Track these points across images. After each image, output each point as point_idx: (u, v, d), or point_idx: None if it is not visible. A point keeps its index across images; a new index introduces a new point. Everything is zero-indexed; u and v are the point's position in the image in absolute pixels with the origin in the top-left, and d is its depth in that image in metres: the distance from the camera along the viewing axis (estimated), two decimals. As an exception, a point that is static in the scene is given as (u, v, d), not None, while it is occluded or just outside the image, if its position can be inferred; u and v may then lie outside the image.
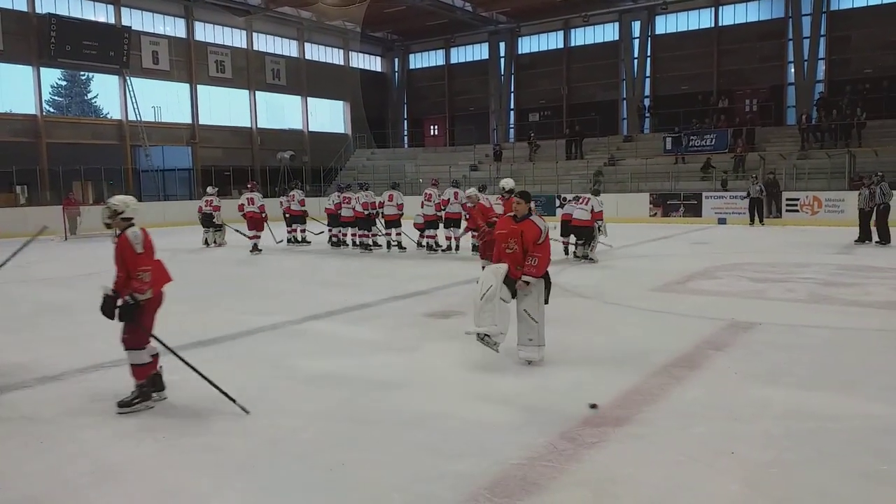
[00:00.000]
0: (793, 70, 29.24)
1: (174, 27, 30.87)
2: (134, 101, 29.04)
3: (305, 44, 36.29)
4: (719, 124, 27.57)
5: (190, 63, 31.16)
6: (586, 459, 3.68)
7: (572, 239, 12.88)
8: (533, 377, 5.23)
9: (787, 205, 21.29)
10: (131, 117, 29.19)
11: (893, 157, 22.14)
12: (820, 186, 21.28)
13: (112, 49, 27.69)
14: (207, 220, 17.38)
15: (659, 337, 6.50)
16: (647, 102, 32.58)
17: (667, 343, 6.17)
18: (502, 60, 36.64)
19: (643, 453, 3.75)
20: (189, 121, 31.58)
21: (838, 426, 4.11)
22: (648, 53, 32.56)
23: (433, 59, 40.09)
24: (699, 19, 31.43)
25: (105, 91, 30.51)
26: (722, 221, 21.93)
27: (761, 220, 20.35)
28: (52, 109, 30.37)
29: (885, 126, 24.29)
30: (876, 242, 14.41)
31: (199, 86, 31.66)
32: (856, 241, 14.64)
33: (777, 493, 3.29)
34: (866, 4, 27.71)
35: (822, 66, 28.71)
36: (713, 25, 31.00)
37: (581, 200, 12.45)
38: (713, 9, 30.81)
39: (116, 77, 29.00)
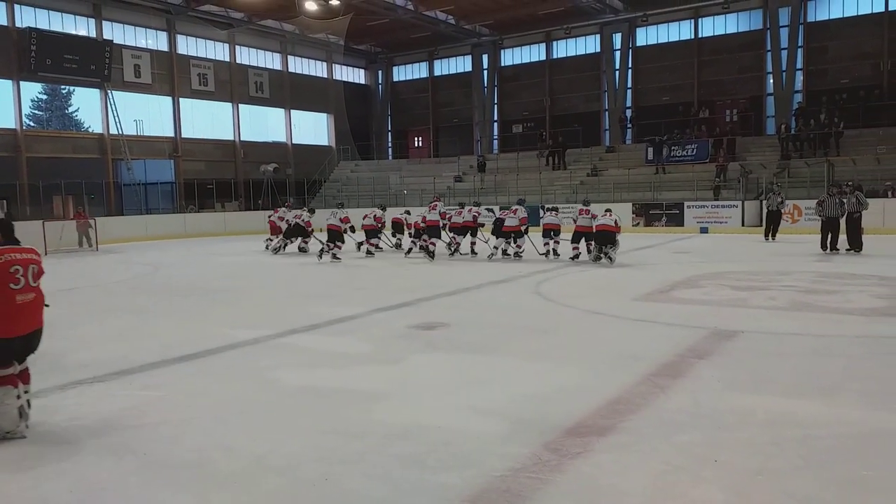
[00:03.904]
0: (772, 81, 29.64)
1: (156, 40, 30.76)
2: (115, 114, 28.87)
3: (289, 56, 36.31)
4: (700, 135, 27.87)
5: (172, 76, 31.04)
6: (570, 470, 3.67)
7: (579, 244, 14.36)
8: (517, 387, 5.23)
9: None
10: (113, 131, 29.01)
11: (870, 165, 22.50)
12: (799, 195, 21.55)
13: (93, 63, 27.53)
14: (297, 231, 17.90)
15: (642, 346, 6.52)
16: (628, 113, 32.85)
17: (650, 352, 6.19)
18: (485, 72, 36.84)
19: (627, 463, 3.75)
20: (171, 134, 31.43)
21: (822, 433, 4.14)
22: (630, 65, 32.87)
23: (417, 71, 40.23)
24: (679, 31, 31.80)
25: (86, 105, 30.31)
26: (704, 230, 22.13)
27: (774, 235, 18.17)
28: (32, 123, 30.08)
29: (862, 135, 24.69)
30: (847, 250, 14.53)
31: (181, 99, 31.55)
32: (832, 249, 14.72)
33: (762, 501, 3.30)
34: (842, 16, 28.19)
35: (800, 77, 29.12)
36: (693, 37, 31.39)
37: (606, 214, 13.50)
38: (693, 21, 31.20)
39: (98, 91, 28.83)
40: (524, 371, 5.77)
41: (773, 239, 18.04)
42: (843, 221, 14.72)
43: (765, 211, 19.29)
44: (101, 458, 4.07)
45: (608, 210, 13.72)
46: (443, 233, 15.98)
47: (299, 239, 18.04)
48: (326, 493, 3.50)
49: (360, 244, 17.22)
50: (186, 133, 31.86)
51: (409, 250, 16.54)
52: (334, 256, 15.63)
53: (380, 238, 17.22)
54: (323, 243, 16.10)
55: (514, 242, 15.01)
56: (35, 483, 3.74)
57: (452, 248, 15.96)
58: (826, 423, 4.30)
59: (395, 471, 3.73)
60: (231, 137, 34.03)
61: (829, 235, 14.77)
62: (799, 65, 28.99)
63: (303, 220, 17.87)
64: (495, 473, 3.62)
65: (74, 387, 5.56)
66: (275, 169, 33.06)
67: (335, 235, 15.78)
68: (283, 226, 18.11)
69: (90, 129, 30.00)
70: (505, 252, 15.29)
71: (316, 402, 5.03)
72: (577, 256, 14.21)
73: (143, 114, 30.28)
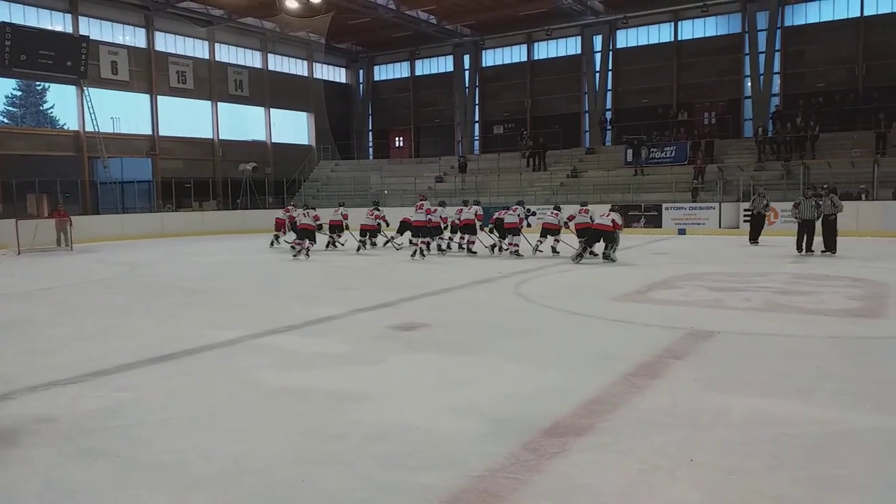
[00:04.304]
0: (749, 84, 30.02)
1: (134, 37, 30.44)
2: (92, 111, 28.51)
3: (269, 55, 36.10)
4: (679, 137, 28.14)
5: (150, 73, 30.74)
6: (548, 470, 3.68)
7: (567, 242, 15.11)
8: (496, 387, 5.24)
9: (744, 215, 21.78)
10: (89, 128, 28.66)
11: (845, 168, 22.86)
12: (776, 197, 21.83)
13: (69, 58, 27.16)
14: (336, 228, 18.76)
15: (620, 346, 6.57)
16: (608, 115, 33.09)
17: (628, 352, 6.24)
18: (467, 73, 36.91)
19: (604, 462, 3.78)
20: (149, 132, 31.12)
21: (796, 432, 4.19)
22: (610, 67, 33.13)
23: (398, 70, 40.19)
24: (659, 34, 32.10)
25: (62, 101, 29.94)
26: (682, 232, 22.34)
27: (757, 238, 18.18)
28: (5, 120, 29.66)
29: (838, 138, 25.08)
30: (822, 252, 14.74)
31: (159, 97, 31.27)
32: (807, 251, 14.93)
33: (736, 500, 3.33)
34: (819, 20, 28.62)
35: (777, 81, 29.53)
36: (672, 40, 31.70)
37: (604, 215, 14.13)
38: (672, 23, 31.51)
39: (74, 87, 28.47)
40: (503, 371, 5.79)
41: (756, 242, 17.95)
42: (818, 224, 14.94)
43: (743, 214, 19.51)
44: (74, 460, 4.01)
45: (611, 209, 14.29)
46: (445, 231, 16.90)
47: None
48: (304, 495, 3.48)
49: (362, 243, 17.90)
50: (164, 131, 31.56)
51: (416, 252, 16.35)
52: (306, 253, 16.29)
53: (375, 238, 18.28)
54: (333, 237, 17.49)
55: (512, 240, 15.59)
56: (5, 486, 3.67)
57: (464, 246, 16.57)
58: (800, 423, 4.35)
59: (374, 471, 3.72)
60: (210, 136, 33.77)
61: (805, 237, 14.98)
62: (776, 68, 29.42)
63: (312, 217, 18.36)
64: (473, 474, 3.62)
65: (47, 388, 5.47)
66: (254, 168, 32.83)
67: (307, 234, 16.47)
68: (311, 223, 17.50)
69: (66, 127, 29.62)
70: (501, 248, 16.00)
71: (294, 403, 5.00)
72: (584, 251, 14.25)
73: (120, 111, 29.95)
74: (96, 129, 28.65)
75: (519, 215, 15.61)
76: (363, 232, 17.82)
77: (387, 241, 18.67)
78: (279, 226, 20.09)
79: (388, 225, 18.28)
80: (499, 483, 3.52)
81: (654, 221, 23.17)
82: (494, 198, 27.84)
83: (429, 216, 16.22)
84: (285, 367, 6.07)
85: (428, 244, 15.99)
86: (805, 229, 14.99)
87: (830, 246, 14.69)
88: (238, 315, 8.95)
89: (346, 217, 18.57)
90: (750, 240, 18.18)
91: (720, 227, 22.19)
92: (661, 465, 3.71)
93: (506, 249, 15.79)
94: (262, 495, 3.49)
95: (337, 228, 18.60)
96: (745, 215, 21.78)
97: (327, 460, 3.89)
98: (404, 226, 17.81)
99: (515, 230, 15.56)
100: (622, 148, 28.81)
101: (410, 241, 16.52)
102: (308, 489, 3.54)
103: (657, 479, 3.57)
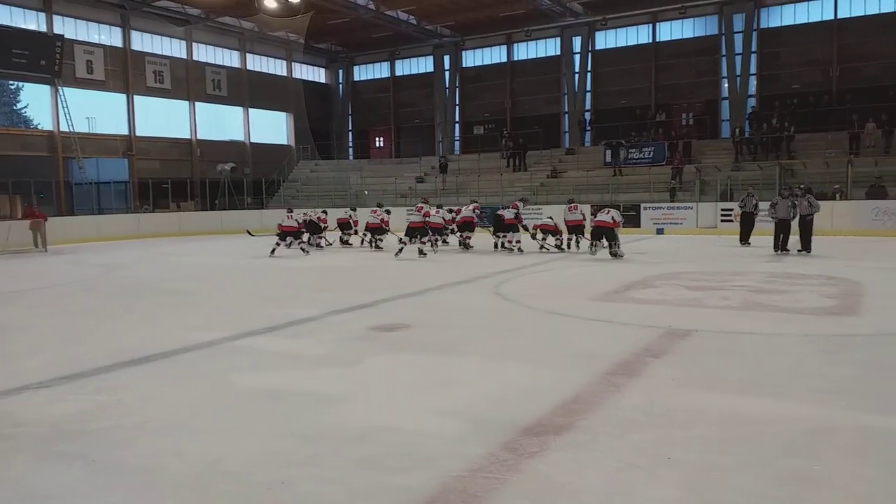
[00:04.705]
0: (726, 85, 30.34)
1: (109, 36, 30.07)
2: (66, 111, 28.12)
3: (247, 54, 35.85)
4: (657, 137, 28.36)
5: (126, 73, 30.39)
6: (527, 469, 3.69)
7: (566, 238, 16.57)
8: (474, 388, 5.24)
9: (722, 215, 22.02)
10: (64, 128, 28.26)
11: (820, 168, 23.18)
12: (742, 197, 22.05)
13: (43, 58, 26.77)
14: (311, 228, 19.16)
15: (599, 345, 6.61)
16: (587, 116, 33.28)
17: (606, 351, 6.27)
18: (447, 73, 36.93)
19: (583, 461, 3.79)
20: (126, 132, 30.77)
21: (772, 429, 4.23)
22: (589, 68, 33.32)
23: (378, 70, 40.10)
24: (637, 35, 32.34)
25: (36, 101, 29.43)
26: (660, 232, 22.52)
27: (748, 239, 17.49)
28: (-22, 120, 29.14)
29: (812, 139, 25.42)
30: (798, 251, 14.92)
31: (136, 96, 30.93)
32: (782, 250, 15.11)
33: (714, 497, 3.36)
34: (794, 23, 29.02)
35: (753, 82, 29.90)
36: (651, 41, 31.94)
37: (604, 211, 15.04)
38: (651, 25, 31.76)
39: (48, 87, 28.05)
40: (483, 372, 5.79)
41: (748, 243, 17.25)
42: (794, 223, 15.13)
43: (722, 214, 19.66)
44: (49, 464, 3.95)
45: (608, 208, 15.19)
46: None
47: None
48: (281, 498, 3.45)
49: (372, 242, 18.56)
50: (141, 131, 31.22)
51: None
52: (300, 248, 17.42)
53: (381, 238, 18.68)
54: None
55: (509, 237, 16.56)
56: (-23, 492, 3.61)
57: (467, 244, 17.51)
58: (776, 420, 4.40)
59: (352, 473, 3.70)
60: (187, 136, 33.46)
61: (781, 236, 15.16)
62: (752, 70, 29.78)
63: (317, 217, 19.45)
64: (452, 474, 3.62)
65: (21, 392, 5.38)
66: (232, 168, 32.56)
67: (291, 234, 17.36)
68: (294, 224, 17.97)
69: (40, 127, 29.14)
70: (503, 246, 16.86)
71: (271, 406, 4.96)
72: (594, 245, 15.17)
73: (95, 111, 29.56)
74: (71, 129, 28.26)
75: (517, 214, 16.65)
76: (368, 230, 18.61)
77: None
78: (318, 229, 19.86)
79: (387, 227, 18.56)
80: (478, 483, 3.52)
81: (633, 221, 23.28)
82: (475, 198, 27.85)
83: (426, 218, 16.89)
84: (263, 370, 6.02)
85: (424, 243, 16.31)
86: (781, 229, 15.18)
87: (806, 245, 14.89)
88: (216, 317, 8.86)
89: (386, 223, 18.66)
90: (741, 241, 17.50)
91: (697, 226, 22.39)
92: (640, 464, 3.73)
93: (506, 247, 16.64)
94: (239, 498, 3.46)
95: (377, 231, 18.53)
96: (722, 216, 22.03)
97: (305, 463, 3.87)
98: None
99: (514, 227, 16.45)
100: (601, 149, 28.98)
101: (400, 240, 16.78)
102: (286, 492, 3.51)
103: (635, 477, 3.59)
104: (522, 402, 4.81)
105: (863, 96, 26.27)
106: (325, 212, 20.44)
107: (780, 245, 15.12)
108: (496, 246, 17.18)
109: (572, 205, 16.66)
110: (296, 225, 17.47)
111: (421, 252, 15.96)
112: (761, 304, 8.74)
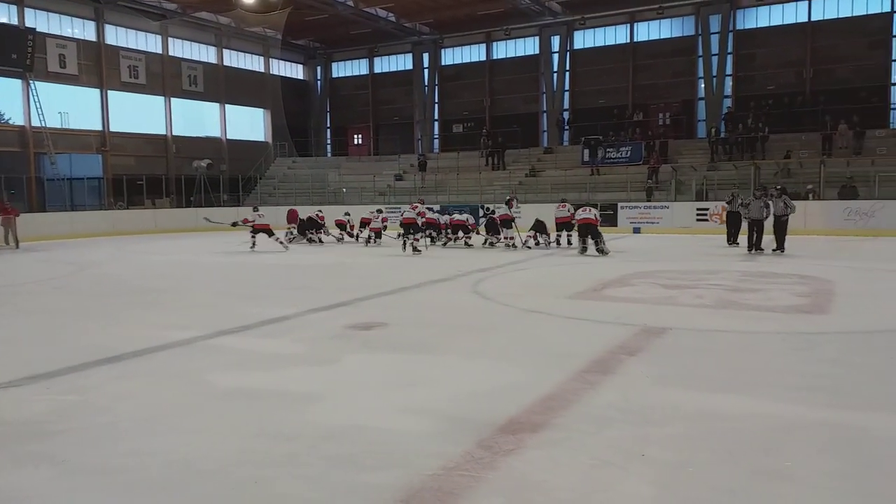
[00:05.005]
0: (703, 85, 30.66)
1: (83, 30, 29.60)
2: (38, 106, 27.64)
3: (224, 50, 35.50)
4: (634, 137, 28.57)
5: (100, 68, 29.94)
6: (503, 467, 3.70)
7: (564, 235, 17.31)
8: (450, 386, 5.24)
9: (697, 215, 22.25)
10: (35, 123, 27.79)
11: (793, 168, 23.50)
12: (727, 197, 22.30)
13: (14, 51, 26.29)
14: (310, 224, 20.60)
15: (574, 343, 6.64)
16: (566, 115, 33.43)
17: (582, 349, 6.31)
18: (426, 71, 36.87)
19: (558, 458, 3.81)
20: (99, 128, 30.33)
21: (746, 426, 4.28)
22: (567, 68, 33.46)
23: (357, 67, 39.93)
24: (615, 35, 32.54)
25: (6, 95, 28.84)
26: (636, 231, 22.70)
27: (736, 238, 17.05)
28: (-54, 114, 28.54)
29: (786, 139, 25.77)
30: (773, 251, 15.10)
31: (110, 91, 30.48)
32: (756, 249, 15.30)
33: (688, 494, 3.39)
34: (769, 25, 29.39)
35: (729, 83, 30.24)
36: (628, 41, 32.16)
37: (585, 209, 15.99)
38: (629, 25, 31.97)
39: (19, 81, 27.54)
40: (460, 370, 5.79)
41: (737, 243, 16.86)
42: (767, 223, 15.34)
43: (698, 213, 19.88)
44: (17, 466, 3.87)
45: (588, 207, 16.07)
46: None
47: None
48: (257, 497, 3.43)
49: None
50: (115, 127, 30.78)
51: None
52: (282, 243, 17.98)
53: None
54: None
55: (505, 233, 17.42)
56: (-58, 494, 3.53)
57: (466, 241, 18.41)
58: (750, 417, 4.45)
59: (328, 472, 3.69)
60: (163, 132, 33.06)
61: (755, 236, 15.37)
62: (728, 71, 30.12)
63: (316, 215, 20.59)
64: (428, 472, 3.61)
65: (-11, 391, 5.29)
66: (208, 165, 32.20)
67: (264, 231, 17.86)
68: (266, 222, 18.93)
69: (10, 121, 28.60)
70: (493, 244, 17.73)
71: (247, 405, 4.92)
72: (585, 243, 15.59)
73: (68, 106, 29.10)
74: (43, 124, 27.79)
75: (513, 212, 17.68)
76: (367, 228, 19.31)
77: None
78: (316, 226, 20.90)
79: (385, 229, 19.30)
80: (453, 481, 3.52)
81: (610, 220, 23.41)
82: (454, 196, 27.89)
83: (421, 217, 17.49)
84: (238, 368, 5.97)
85: (417, 239, 16.72)
86: (753, 228, 15.38)
87: (780, 245, 15.10)
88: (190, 315, 8.77)
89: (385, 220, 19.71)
90: (728, 241, 17.14)
91: (673, 225, 22.60)
92: (614, 461, 3.76)
93: (500, 242, 17.48)
94: (214, 498, 3.43)
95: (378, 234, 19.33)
96: (697, 216, 22.26)
97: (281, 461, 3.84)
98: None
99: (508, 223, 17.38)
100: (579, 148, 29.13)
101: (399, 235, 17.45)
102: (261, 491, 3.48)
103: (610, 474, 3.61)
104: (498, 400, 4.82)
105: (835, 98, 26.70)
106: (321, 211, 21.47)
107: (755, 245, 15.31)
108: (486, 242, 17.97)
109: (562, 204, 17.46)
110: (268, 223, 17.98)
111: (415, 249, 16.27)
112: (735, 303, 8.84)
